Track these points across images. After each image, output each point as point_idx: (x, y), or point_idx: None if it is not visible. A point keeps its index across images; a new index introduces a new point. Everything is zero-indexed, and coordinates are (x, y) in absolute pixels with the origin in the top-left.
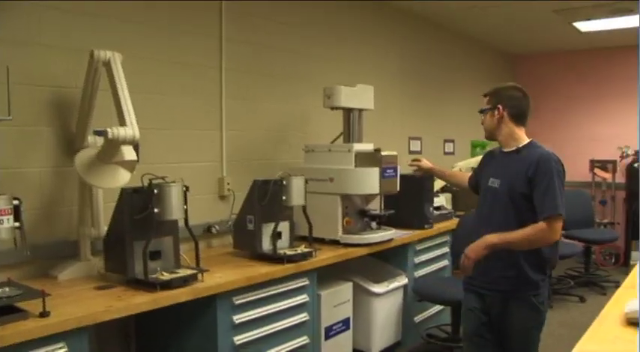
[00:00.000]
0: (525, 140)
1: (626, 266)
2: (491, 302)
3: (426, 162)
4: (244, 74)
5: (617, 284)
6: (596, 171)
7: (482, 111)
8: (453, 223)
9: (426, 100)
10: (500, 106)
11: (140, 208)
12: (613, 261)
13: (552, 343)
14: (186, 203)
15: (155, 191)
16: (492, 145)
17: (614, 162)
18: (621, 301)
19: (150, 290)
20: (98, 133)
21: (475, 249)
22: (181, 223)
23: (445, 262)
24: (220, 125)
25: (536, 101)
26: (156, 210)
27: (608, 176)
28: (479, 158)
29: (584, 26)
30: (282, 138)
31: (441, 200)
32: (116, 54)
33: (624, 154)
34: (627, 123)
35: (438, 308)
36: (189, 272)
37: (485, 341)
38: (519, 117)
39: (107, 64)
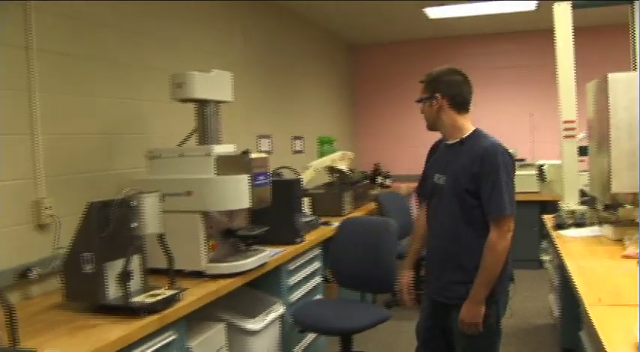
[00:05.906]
0: (470, 129)
1: None
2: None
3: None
4: (63, 57)
5: None
6: None
7: (420, 101)
8: (322, 233)
9: (272, 94)
10: (438, 95)
11: None
12: None
13: None
14: None
15: None
16: (339, 141)
17: None
18: None
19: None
20: None
21: (471, 314)
22: None
23: (317, 280)
24: (31, 127)
25: (380, 93)
26: None
27: None
28: (334, 156)
29: (433, 12)
30: (117, 142)
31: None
32: None
33: None
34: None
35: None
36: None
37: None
38: (461, 105)
39: None
